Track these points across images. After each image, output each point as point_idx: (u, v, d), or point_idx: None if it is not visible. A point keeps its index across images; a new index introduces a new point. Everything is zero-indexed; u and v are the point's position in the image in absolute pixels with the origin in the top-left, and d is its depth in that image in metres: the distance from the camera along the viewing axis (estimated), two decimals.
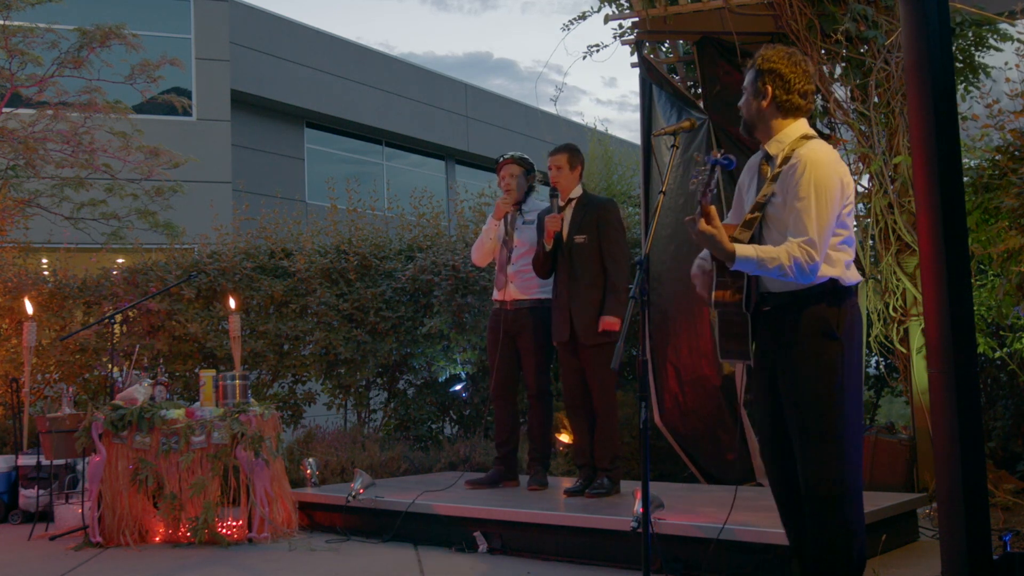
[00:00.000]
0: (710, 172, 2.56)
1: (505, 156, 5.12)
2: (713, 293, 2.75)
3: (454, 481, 5.18)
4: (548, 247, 4.78)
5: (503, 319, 4.98)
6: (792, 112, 2.83)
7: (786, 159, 2.75)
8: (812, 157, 2.69)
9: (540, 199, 5.23)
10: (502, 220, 5.08)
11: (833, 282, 2.70)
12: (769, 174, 2.79)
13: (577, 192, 4.85)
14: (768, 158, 2.84)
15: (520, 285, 4.97)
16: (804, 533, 2.79)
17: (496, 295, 5.07)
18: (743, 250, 2.57)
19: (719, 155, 2.57)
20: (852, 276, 2.77)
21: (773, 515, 3.08)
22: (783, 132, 2.83)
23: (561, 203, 4.84)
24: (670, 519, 3.79)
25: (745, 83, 2.89)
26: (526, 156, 5.13)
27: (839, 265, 2.73)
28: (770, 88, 2.81)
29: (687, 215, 3.17)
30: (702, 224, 2.54)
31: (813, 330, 2.68)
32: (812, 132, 2.83)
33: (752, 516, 3.85)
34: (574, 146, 4.95)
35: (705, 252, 2.82)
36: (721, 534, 3.60)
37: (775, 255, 2.59)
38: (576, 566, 4.02)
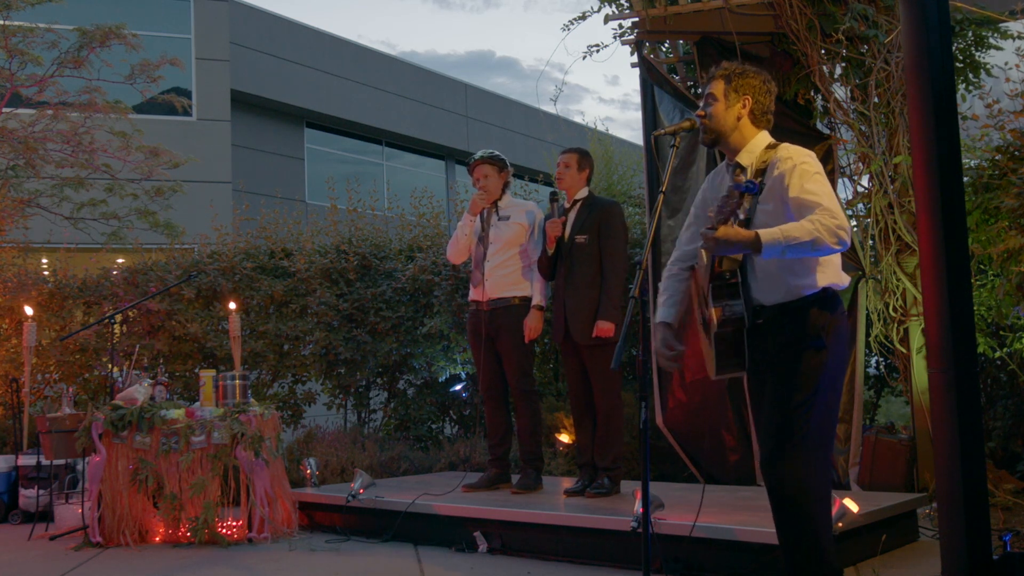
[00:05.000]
0: (737, 201, 2.51)
1: (475, 157, 5.11)
2: (715, 316, 2.75)
3: (457, 482, 5.17)
4: (550, 251, 4.80)
5: (481, 320, 4.99)
6: (763, 124, 2.89)
7: (760, 170, 2.76)
8: (796, 154, 2.74)
9: (517, 197, 5.26)
10: (478, 216, 5.08)
11: (825, 291, 2.72)
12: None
13: (583, 194, 4.86)
14: (740, 170, 2.85)
15: (495, 283, 4.96)
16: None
17: (472, 294, 5.07)
18: (766, 234, 2.51)
19: (743, 180, 2.52)
20: (844, 279, 2.79)
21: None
22: (752, 143, 2.86)
23: (567, 204, 4.85)
24: (670, 519, 3.79)
25: (714, 90, 2.89)
26: (496, 153, 5.12)
27: (830, 268, 2.74)
28: (750, 99, 2.86)
29: (688, 214, 3.19)
30: (721, 229, 2.49)
31: (802, 341, 2.70)
32: (775, 141, 2.86)
33: (752, 516, 3.85)
34: (586, 151, 4.97)
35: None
36: (694, 531, 3.62)
37: (803, 226, 2.53)
38: (576, 566, 4.02)
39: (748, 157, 2.84)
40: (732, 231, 2.50)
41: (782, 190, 2.69)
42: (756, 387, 2.87)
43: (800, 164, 2.69)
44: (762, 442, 2.79)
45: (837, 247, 2.57)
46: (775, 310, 2.76)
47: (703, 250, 2.65)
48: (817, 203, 2.60)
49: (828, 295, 2.72)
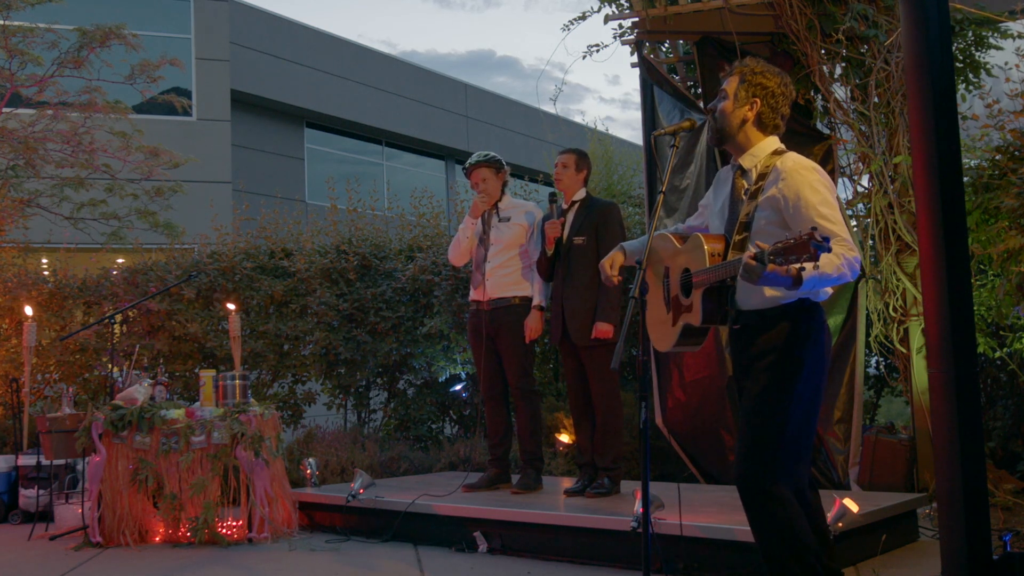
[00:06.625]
0: (807, 257, 2.29)
1: (471, 162, 5.10)
2: (703, 319, 2.80)
3: (457, 482, 5.17)
4: (549, 252, 4.80)
5: (482, 320, 4.99)
6: (771, 130, 2.85)
7: (763, 175, 2.74)
8: (802, 168, 2.70)
9: (517, 197, 5.25)
10: (479, 219, 5.09)
11: (802, 301, 2.70)
12: (744, 190, 2.79)
13: (580, 195, 4.86)
14: (743, 172, 2.84)
15: (495, 283, 4.97)
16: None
17: (473, 294, 5.08)
18: (807, 271, 2.47)
19: (821, 240, 2.28)
20: (826, 290, 2.75)
21: None
22: (757, 147, 2.83)
23: (564, 205, 4.85)
24: (670, 519, 3.78)
25: (727, 87, 2.86)
26: (492, 154, 5.11)
27: None
28: (759, 102, 2.82)
29: (691, 213, 3.21)
30: (771, 267, 2.38)
31: (775, 349, 2.70)
32: (783, 147, 2.83)
33: None
34: (584, 151, 4.98)
35: None
36: (686, 531, 3.59)
37: (831, 261, 2.53)
38: (576, 566, 4.02)
39: (751, 160, 2.82)
40: (781, 269, 2.40)
41: (784, 202, 2.67)
42: (739, 391, 2.88)
43: (810, 182, 2.65)
44: (736, 450, 2.79)
45: (851, 278, 2.60)
46: (753, 316, 2.76)
47: (741, 278, 2.52)
48: (834, 233, 2.59)
49: (806, 305, 2.71)
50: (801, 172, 2.68)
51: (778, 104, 2.83)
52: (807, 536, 2.66)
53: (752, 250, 2.42)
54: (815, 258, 2.26)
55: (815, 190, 2.65)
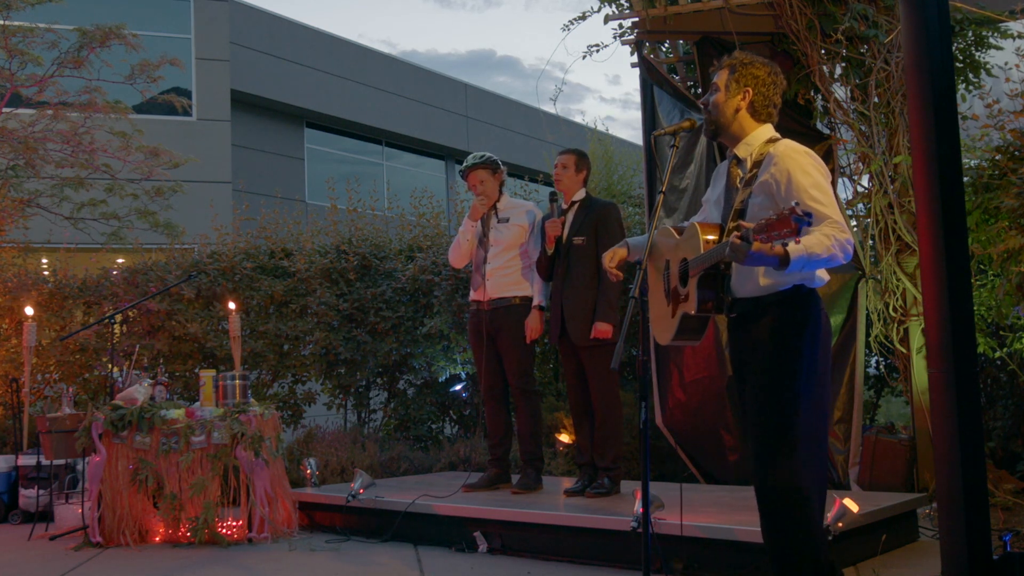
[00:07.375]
0: (789, 231, 2.29)
1: (467, 164, 5.10)
2: (698, 307, 2.78)
3: (458, 483, 5.17)
4: (549, 251, 4.80)
5: (482, 319, 4.99)
6: (765, 118, 2.86)
7: (757, 162, 2.74)
8: (795, 152, 2.70)
9: (516, 197, 5.24)
10: (478, 221, 5.09)
11: (797, 288, 2.69)
12: (739, 179, 2.80)
13: (580, 195, 4.86)
14: (738, 161, 2.84)
15: (495, 284, 4.97)
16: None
17: (473, 295, 5.08)
18: (794, 251, 2.48)
19: (801, 214, 2.28)
20: (819, 277, 2.74)
21: None
22: (752, 135, 2.84)
23: (564, 206, 4.85)
24: (670, 519, 3.78)
25: (718, 80, 2.88)
26: (487, 155, 5.10)
27: None
28: (751, 91, 2.83)
29: (692, 213, 3.20)
30: (756, 245, 2.39)
31: (773, 337, 2.68)
32: (778, 135, 2.84)
33: (752, 516, 3.83)
34: (584, 152, 4.97)
35: None
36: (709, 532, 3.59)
37: (821, 242, 2.52)
38: (576, 566, 4.02)
39: (746, 149, 2.83)
40: (766, 247, 2.41)
41: (776, 186, 2.67)
42: (737, 382, 2.85)
43: (802, 165, 2.65)
44: (750, 449, 2.76)
45: (843, 260, 2.58)
46: (749, 304, 2.74)
47: (729, 258, 2.53)
48: (825, 215, 2.58)
49: (802, 292, 2.69)
50: (793, 156, 2.68)
51: (769, 92, 2.84)
52: (820, 534, 2.65)
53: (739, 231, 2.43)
54: (797, 233, 2.26)
55: (806, 173, 2.64)
